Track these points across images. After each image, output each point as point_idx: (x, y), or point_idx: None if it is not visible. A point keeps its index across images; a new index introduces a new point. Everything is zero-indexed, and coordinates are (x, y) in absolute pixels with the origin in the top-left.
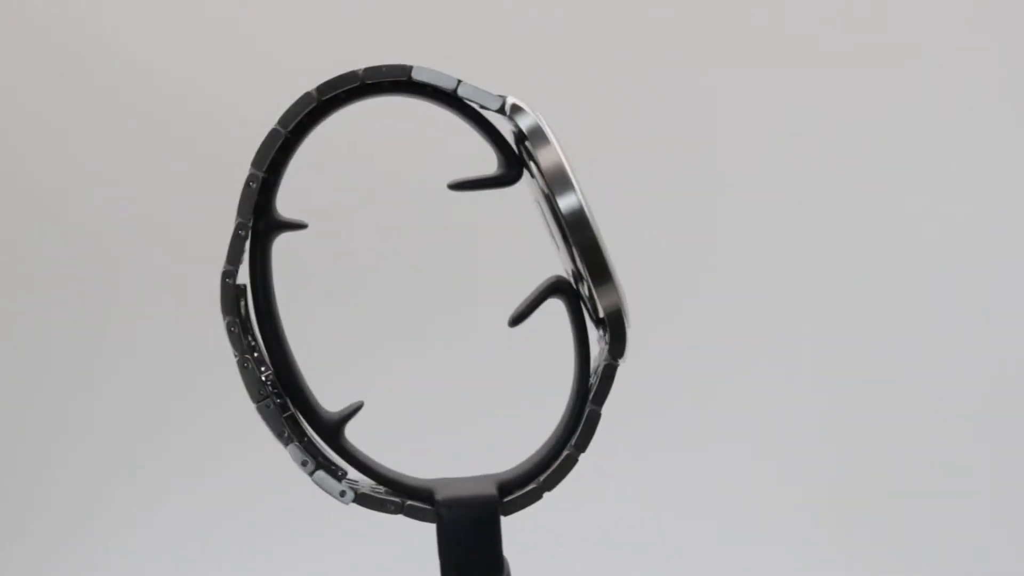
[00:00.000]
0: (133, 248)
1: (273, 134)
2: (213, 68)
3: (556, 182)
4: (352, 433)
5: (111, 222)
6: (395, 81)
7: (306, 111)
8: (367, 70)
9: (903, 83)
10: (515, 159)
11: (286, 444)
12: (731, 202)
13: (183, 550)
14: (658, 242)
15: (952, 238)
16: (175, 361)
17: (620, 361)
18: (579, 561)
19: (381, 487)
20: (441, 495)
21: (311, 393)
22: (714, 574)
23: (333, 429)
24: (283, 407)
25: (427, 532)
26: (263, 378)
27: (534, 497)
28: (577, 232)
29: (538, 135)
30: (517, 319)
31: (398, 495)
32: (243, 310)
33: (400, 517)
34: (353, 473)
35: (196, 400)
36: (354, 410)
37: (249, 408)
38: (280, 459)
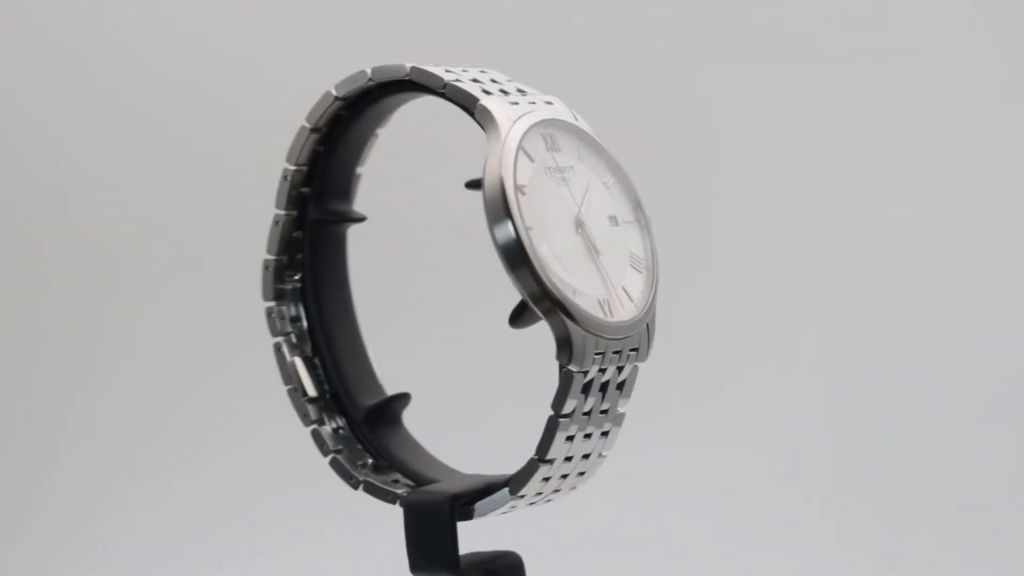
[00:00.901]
0: (133, 247)
1: (300, 130)
2: (213, 68)
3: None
4: (432, 422)
5: (111, 221)
6: (409, 80)
7: (328, 108)
8: (374, 69)
9: (904, 82)
10: None
11: (307, 427)
12: (731, 200)
13: (183, 550)
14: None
15: (955, 235)
16: (175, 360)
17: (572, 366)
18: (578, 562)
19: (407, 479)
20: (414, 491)
21: (355, 380)
22: (714, 574)
23: (361, 417)
24: (303, 392)
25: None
26: (293, 363)
27: (501, 501)
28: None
29: (484, 117)
30: (512, 318)
31: (408, 487)
32: (294, 297)
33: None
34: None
35: (197, 400)
36: (389, 399)
37: (250, 408)
38: (280, 459)
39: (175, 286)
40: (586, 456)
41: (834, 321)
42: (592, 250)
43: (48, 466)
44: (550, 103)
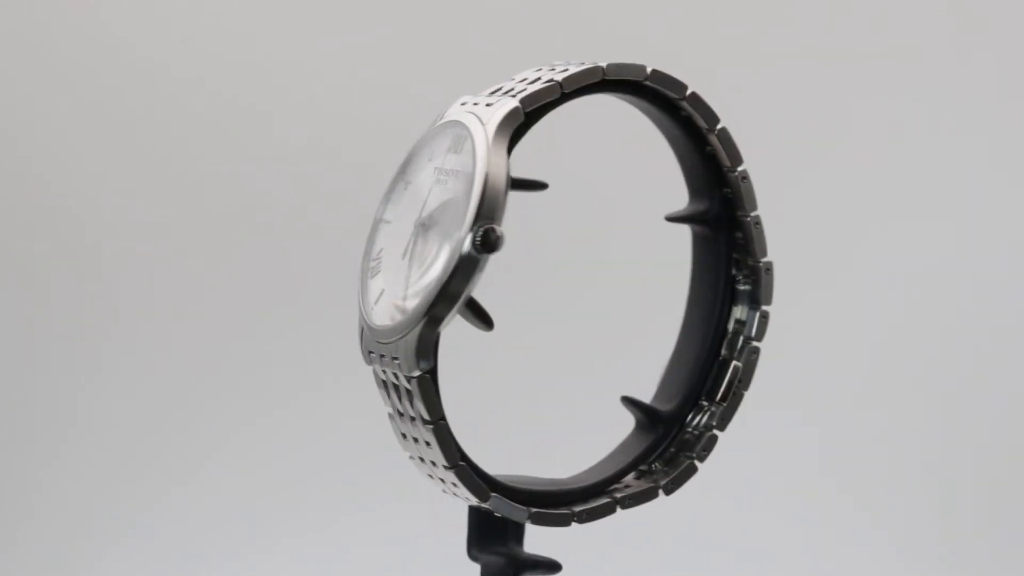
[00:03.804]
0: (134, 246)
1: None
2: (213, 67)
3: None
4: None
5: (111, 221)
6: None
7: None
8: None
9: (905, 82)
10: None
11: None
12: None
13: (183, 551)
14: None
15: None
16: (175, 360)
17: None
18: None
19: None
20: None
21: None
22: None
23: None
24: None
25: (431, 531)
26: None
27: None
28: None
29: None
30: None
31: None
32: None
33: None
34: None
35: (198, 401)
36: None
37: (251, 409)
38: (280, 459)
39: (176, 285)
40: (429, 458)
41: (878, 321)
42: (408, 252)
43: (48, 467)
44: (506, 104)
